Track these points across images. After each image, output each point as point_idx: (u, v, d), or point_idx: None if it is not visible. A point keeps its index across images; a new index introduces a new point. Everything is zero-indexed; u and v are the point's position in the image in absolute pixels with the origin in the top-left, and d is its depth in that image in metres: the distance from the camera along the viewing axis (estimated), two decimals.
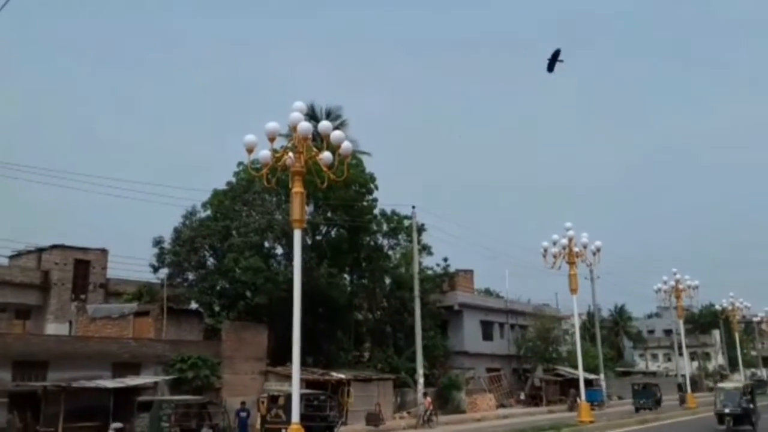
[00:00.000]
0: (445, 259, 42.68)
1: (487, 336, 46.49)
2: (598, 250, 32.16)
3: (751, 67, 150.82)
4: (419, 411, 29.86)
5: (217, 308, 33.28)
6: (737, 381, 42.26)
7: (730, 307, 53.00)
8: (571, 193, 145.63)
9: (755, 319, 64.03)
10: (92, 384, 22.94)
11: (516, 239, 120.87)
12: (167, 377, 25.64)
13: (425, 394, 30.91)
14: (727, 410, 23.14)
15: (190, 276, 33.27)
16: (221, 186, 34.01)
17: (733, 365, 68.66)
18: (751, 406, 23.63)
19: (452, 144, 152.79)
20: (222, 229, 32.27)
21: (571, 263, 31.22)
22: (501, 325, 47.96)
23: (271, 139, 17.32)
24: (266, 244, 33.93)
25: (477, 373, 43.58)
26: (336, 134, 17.94)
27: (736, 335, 57.60)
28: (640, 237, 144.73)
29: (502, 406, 41.18)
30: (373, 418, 28.23)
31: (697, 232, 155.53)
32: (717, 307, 57.44)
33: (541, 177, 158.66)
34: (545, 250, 31.45)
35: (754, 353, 79.46)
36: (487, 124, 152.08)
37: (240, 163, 33.03)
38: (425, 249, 38.62)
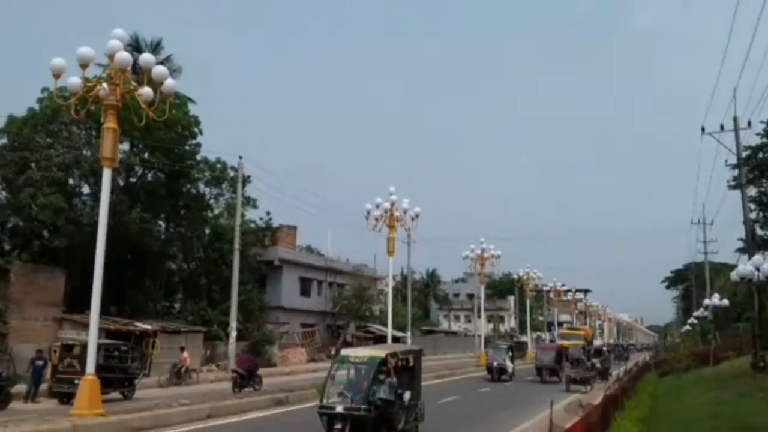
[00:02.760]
0: (268, 213, 42.17)
1: (305, 292, 46.98)
2: (417, 216, 33.66)
3: None
4: (175, 367, 26.27)
5: (7, 247, 29.81)
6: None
7: (525, 277, 58.81)
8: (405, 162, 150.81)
9: (545, 289, 71.74)
10: None
11: (343, 199, 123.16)
12: None
13: (182, 349, 27.75)
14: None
15: None
16: (21, 112, 30.27)
17: (522, 328, 76.29)
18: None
19: (288, 103, 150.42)
20: (19, 160, 28.78)
21: (391, 227, 32.41)
22: (320, 282, 48.69)
23: (83, 66, 15.87)
24: (71, 182, 31.01)
25: (292, 328, 44.01)
26: (159, 69, 16.87)
27: (528, 302, 64.13)
28: (460, 207, 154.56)
29: (313, 360, 42.02)
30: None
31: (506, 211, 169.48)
32: (514, 275, 63.28)
33: (371, 144, 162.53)
34: (368, 213, 32.32)
35: (541, 318, 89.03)
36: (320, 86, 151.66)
37: (45, 89, 29.52)
38: (249, 201, 37.68)
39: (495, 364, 32.35)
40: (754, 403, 16.26)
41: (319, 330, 47.07)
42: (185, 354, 27.08)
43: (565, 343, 42.60)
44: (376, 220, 32.25)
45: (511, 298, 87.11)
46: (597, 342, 60.22)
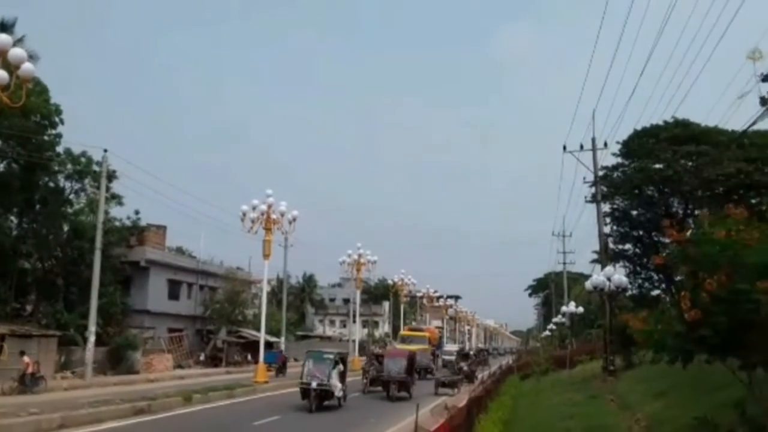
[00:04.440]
0: (137, 212, 39.84)
1: (174, 295, 44.94)
2: (294, 219, 33.38)
3: None
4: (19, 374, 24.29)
5: None
6: None
7: (400, 282, 59.99)
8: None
9: (419, 294, 73.60)
10: None
11: (219, 200, 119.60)
12: None
13: (22, 353, 25.34)
14: None
15: None
16: None
17: (396, 333, 77.57)
18: None
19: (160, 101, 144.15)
20: None
21: (268, 229, 31.87)
22: (190, 285, 46.78)
23: None
24: None
25: (158, 332, 41.94)
26: (16, 51, 15.43)
27: (402, 307, 65.42)
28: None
29: (180, 366, 40.30)
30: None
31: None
32: (390, 281, 64.34)
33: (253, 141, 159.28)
34: (244, 214, 31.60)
35: (414, 323, 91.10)
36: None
37: None
38: (115, 198, 35.55)
39: (314, 384, 20.95)
40: (604, 405, 17.51)
41: (188, 335, 45.22)
42: (27, 359, 24.97)
43: (408, 347, 38.22)
44: (252, 222, 31.62)
45: (386, 304, 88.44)
46: (451, 347, 59.22)
